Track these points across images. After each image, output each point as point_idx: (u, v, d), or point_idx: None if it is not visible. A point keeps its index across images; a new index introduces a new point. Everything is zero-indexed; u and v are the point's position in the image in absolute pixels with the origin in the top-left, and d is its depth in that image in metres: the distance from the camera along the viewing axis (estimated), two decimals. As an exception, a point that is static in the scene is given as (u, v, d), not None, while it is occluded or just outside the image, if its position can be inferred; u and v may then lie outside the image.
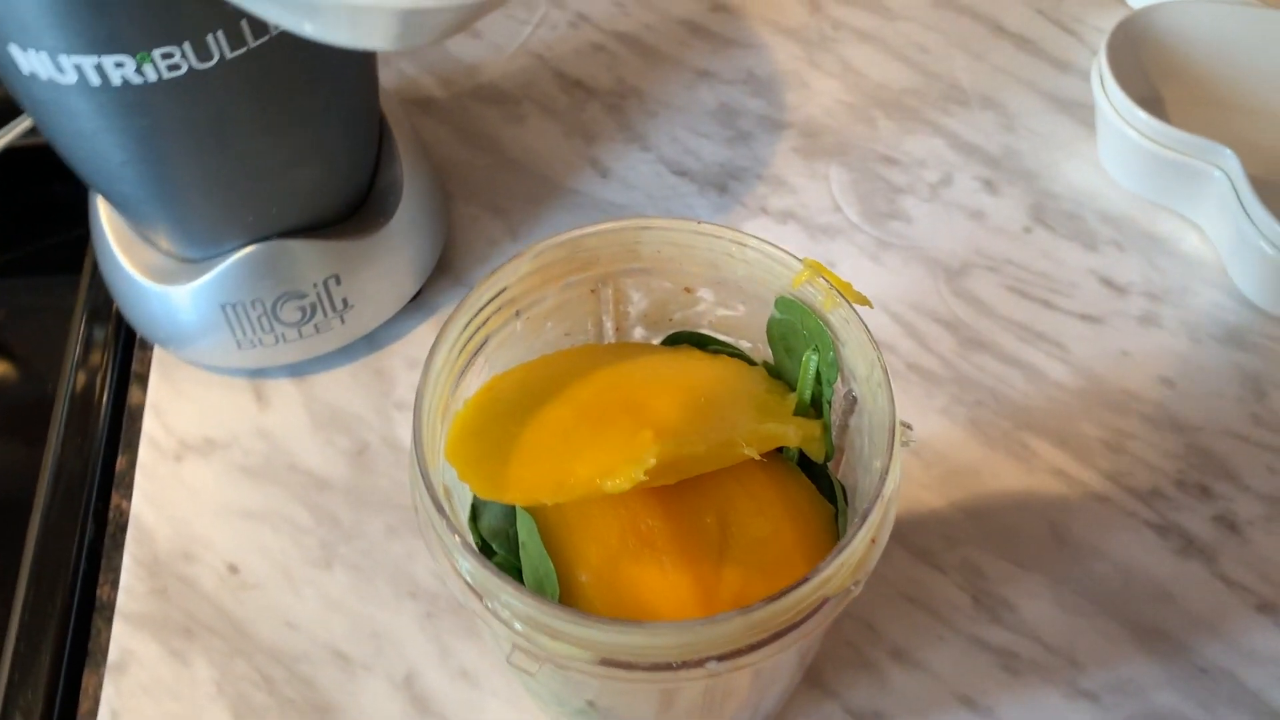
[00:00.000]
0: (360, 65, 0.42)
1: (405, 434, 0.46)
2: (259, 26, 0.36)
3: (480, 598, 0.25)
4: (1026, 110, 0.56)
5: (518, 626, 0.24)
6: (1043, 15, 0.60)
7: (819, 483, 0.31)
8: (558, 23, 0.60)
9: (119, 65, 0.34)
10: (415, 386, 0.46)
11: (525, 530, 0.29)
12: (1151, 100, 0.53)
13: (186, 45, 0.35)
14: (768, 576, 0.29)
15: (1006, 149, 0.54)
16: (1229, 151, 0.47)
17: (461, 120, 0.56)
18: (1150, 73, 0.53)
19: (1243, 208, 0.47)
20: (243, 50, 0.36)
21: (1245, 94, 0.53)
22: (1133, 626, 0.41)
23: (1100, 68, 0.51)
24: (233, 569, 0.43)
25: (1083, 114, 0.55)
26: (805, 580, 0.24)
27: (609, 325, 0.32)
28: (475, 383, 0.30)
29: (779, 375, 0.31)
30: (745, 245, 0.29)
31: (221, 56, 0.35)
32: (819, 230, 0.52)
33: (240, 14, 0.35)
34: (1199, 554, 0.43)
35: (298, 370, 0.48)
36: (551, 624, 0.23)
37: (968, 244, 0.51)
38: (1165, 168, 0.50)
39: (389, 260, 0.47)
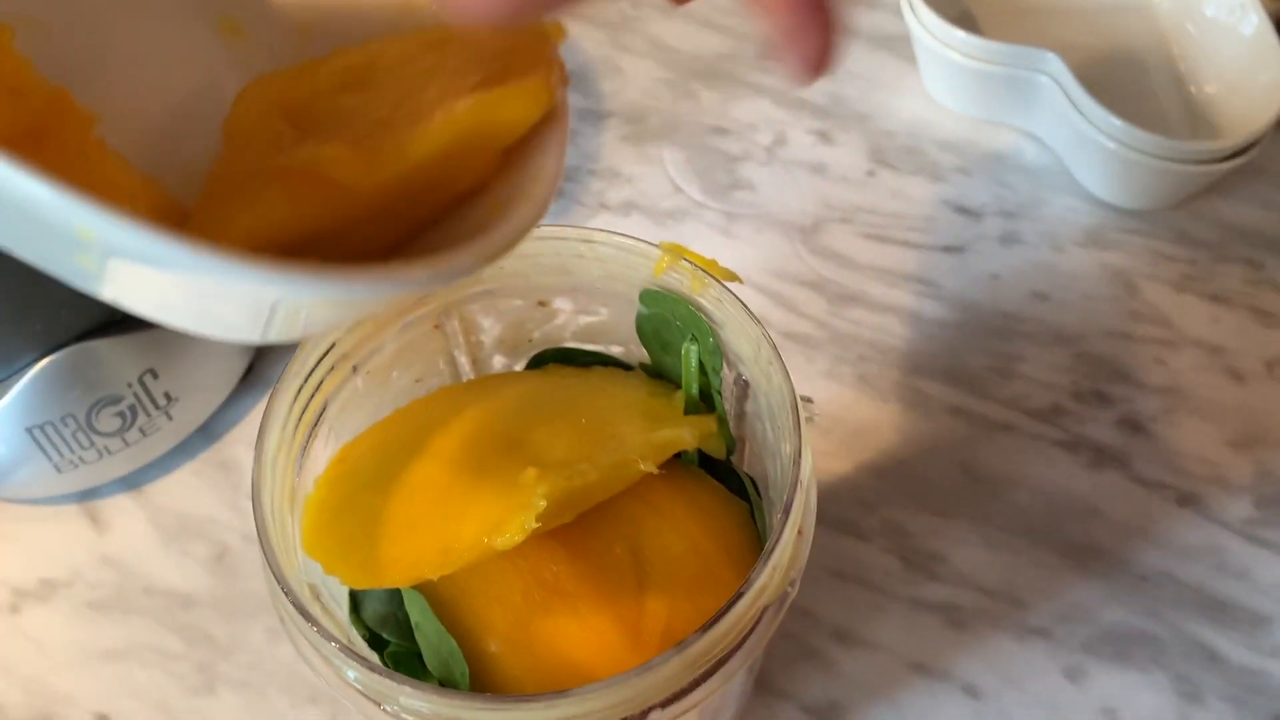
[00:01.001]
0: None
1: (268, 525, 0.42)
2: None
3: (378, 704, 0.21)
4: (844, 54, 0.54)
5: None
6: (837, -43, 0.58)
7: (725, 480, 0.28)
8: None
9: None
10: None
11: (416, 610, 0.26)
12: (964, 18, 0.52)
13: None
14: (695, 596, 0.26)
15: (833, 97, 0.53)
16: (1052, 55, 0.46)
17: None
18: (956, -7, 0.52)
19: (1075, 108, 0.46)
20: None
21: (1051, -3, 0.53)
22: (1065, 550, 0.40)
23: (907, -4, 0.50)
24: (101, 718, 0.38)
25: (900, 47, 0.54)
26: (738, 596, 0.21)
27: (464, 361, 0.29)
28: (323, 458, 0.26)
29: (659, 374, 0.29)
30: (594, 242, 0.26)
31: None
32: (664, 215, 0.49)
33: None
34: (1111, 461, 0.42)
35: (132, 482, 0.43)
36: (467, 716, 0.20)
37: (815, 199, 0.49)
38: (991, 83, 0.49)
39: (207, 341, 0.42)
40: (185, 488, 0.43)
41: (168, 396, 0.41)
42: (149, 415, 0.41)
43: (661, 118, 0.52)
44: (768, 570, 0.21)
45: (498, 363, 0.29)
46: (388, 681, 0.20)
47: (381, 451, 0.26)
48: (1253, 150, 0.45)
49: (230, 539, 0.42)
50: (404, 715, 0.21)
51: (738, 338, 0.25)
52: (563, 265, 0.27)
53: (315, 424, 0.25)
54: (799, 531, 0.23)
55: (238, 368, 0.44)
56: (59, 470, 0.41)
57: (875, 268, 0.47)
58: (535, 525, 0.23)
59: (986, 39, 0.48)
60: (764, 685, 0.37)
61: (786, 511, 0.22)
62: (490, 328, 0.28)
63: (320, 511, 0.25)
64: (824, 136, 0.51)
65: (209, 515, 0.42)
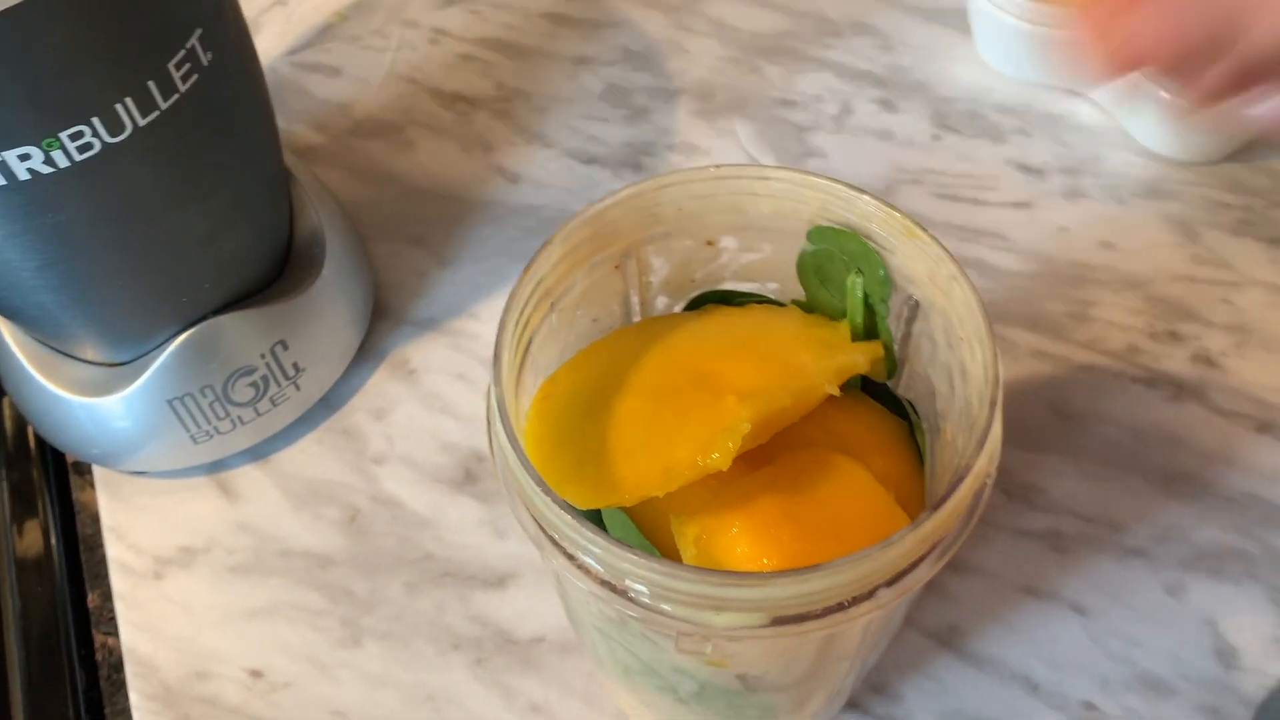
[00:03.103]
0: (265, 114, 0.40)
1: (393, 488, 0.44)
2: (166, 85, 0.33)
3: (622, 593, 0.23)
4: (898, 28, 0.57)
5: (666, 608, 0.23)
6: (881, -63, 0.61)
7: (885, 403, 0.30)
8: (416, 43, 0.57)
9: (24, 158, 0.31)
10: (386, 435, 0.44)
11: (618, 527, 0.27)
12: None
13: (95, 121, 0.32)
14: (866, 508, 0.28)
15: (892, 68, 0.55)
16: (1108, 16, 0.49)
17: (349, 160, 0.53)
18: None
19: (1133, 66, 0.49)
20: (154, 115, 0.33)
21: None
22: (1154, 477, 0.43)
23: (963, -32, 0.52)
24: (255, 674, 0.40)
25: (952, 19, 0.56)
26: (959, 480, 0.23)
27: (635, 301, 0.31)
28: (530, 389, 0.28)
29: (812, 310, 0.31)
30: (769, 179, 0.28)
31: (134, 126, 0.32)
32: (742, 184, 0.51)
33: (145, 74, 0.32)
34: (1190, 394, 0.44)
35: (258, 453, 0.45)
36: (719, 594, 0.22)
37: (886, 163, 0.52)
38: (1046, 45, 0.51)
39: (329, 312, 0.44)
40: (310, 456, 0.45)
41: (296, 366, 0.43)
42: (279, 385, 0.43)
43: (730, 93, 0.55)
44: (984, 455, 0.23)
45: (660, 303, 0.31)
46: (647, 560, 0.22)
47: (584, 386, 0.28)
48: (1298, 101, 0.48)
49: (359, 501, 0.43)
50: (644, 597, 0.23)
51: (911, 261, 0.27)
52: (736, 204, 0.29)
53: (525, 355, 0.27)
54: (994, 416, 0.24)
55: (354, 341, 0.46)
56: (194, 441, 0.42)
57: (949, 224, 0.50)
58: (740, 445, 0.26)
59: (1040, 3, 0.50)
60: (887, 612, 0.40)
61: (993, 405, 0.24)
62: (659, 268, 0.30)
63: (540, 441, 0.27)
64: (887, 105, 0.54)
65: (336, 480, 0.44)
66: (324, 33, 0.58)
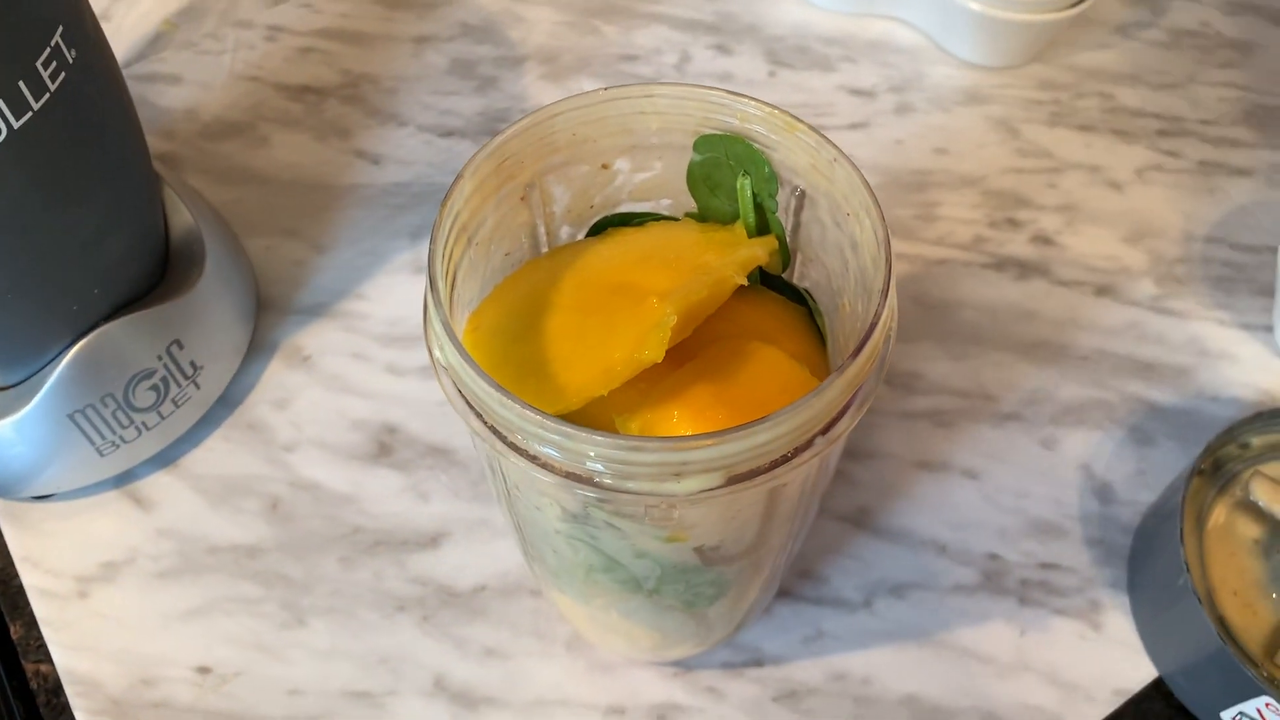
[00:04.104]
0: (131, 111, 0.39)
1: (310, 472, 0.44)
2: (36, 85, 0.33)
3: (587, 479, 0.25)
4: (719, -24, 0.60)
5: (630, 485, 0.24)
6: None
7: (783, 293, 0.33)
8: (253, 42, 0.57)
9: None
10: (293, 423, 0.44)
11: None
12: (821, -71, 0.58)
13: (-32, 126, 0.31)
14: (779, 380, 0.30)
15: (721, 14, 0.58)
16: (912, -59, 0.53)
17: (206, 164, 0.53)
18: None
19: (939, -15, 0.53)
20: (28, 116, 0.33)
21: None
22: (1015, 349, 0.47)
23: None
24: (203, 670, 0.40)
25: (767, -37, 0.60)
26: (871, 327, 0.25)
27: (542, 232, 0.32)
28: (459, 324, 0.29)
29: (705, 219, 0.33)
30: (654, 95, 0.30)
31: (9, 129, 0.32)
32: (599, 138, 0.53)
33: (15, 74, 0.32)
34: (1034, 271, 0.49)
35: (165, 460, 0.44)
36: (680, 458, 0.24)
37: (730, 102, 0.55)
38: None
39: (218, 308, 0.44)
40: (218, 454, 0.45)
41: (193, 365, 0.43)
42: (180, 385, 0.43)
43: (573, 54, 0.57)
44: (886, 308, 0.26)
45: (564, 233, 0.33)
46: (584, 434, 0.24)
47: (509, 314, 0.30)
48: (1084, 3, 0.53)
49: (277, 489, 0.44)
50: (603, 477, 0.24)
51: (793, 154, 0.30)
52: (626, 125, 0.30)
53: (451, 290, 0.28)
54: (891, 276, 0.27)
55: (246, 335, 0.46)
56: (100, 454, 0.42)
57: (797, 151, 0.53)
58: (669, 336, 0.27)
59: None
60: (802, 505, 0.43)
61: (888, 262, 0.27)
62: (560, 197, 0.32)
63: (482, 363, 0.28)
64: (723, 49, 0.57)
65: (250, 473, 0.44)
66: (155, 43, 0.57)
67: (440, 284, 0.27)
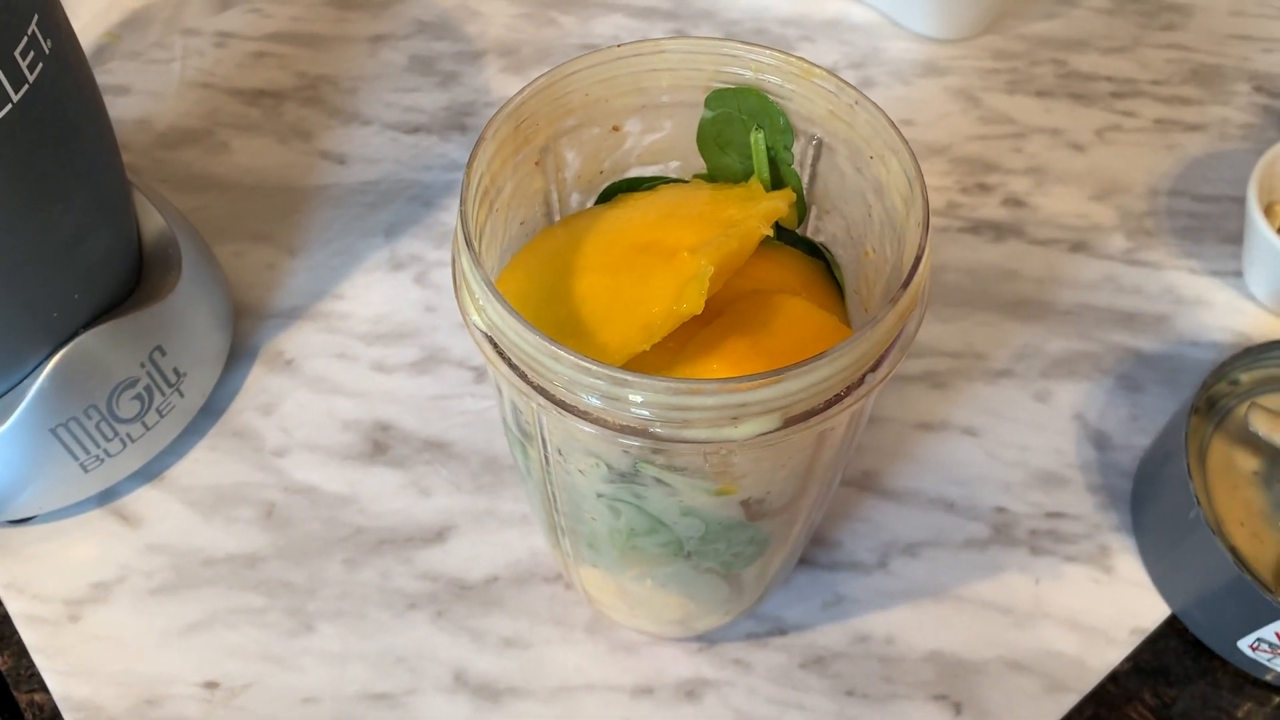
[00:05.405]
0: (103, 107, 0.38)
1: (303, 475, 0.43)
2: (16, 76, 0.31)
3: (641, 431, 0.24)
4: (671, -36, 0.60)
5: (687, 434, 0.24)
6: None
7: (798, 246, 0.33)
8: (202, 49, 0.56)
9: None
10: (281, 428, 0.43)
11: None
12: (770, -87, 0.58)
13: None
14: (806, 329, 0.30)
15: (676, 0, 0.58)
16: (865, -82, 0.54)
17: (165, 172, 0.51)
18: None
19: (894, -40, 0.54)
20: (8, 109, 0.31)
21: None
22: (1000, 308, 0.47)
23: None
24: (210, 685, 0.38)
25: (718, -51, 0.60)
26: (915, 266, 0.25)
27: (555, 199, 0.32)
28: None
29: (714, 180, 0.33)
30: (664, 51, 0.29)
31: (-14, 121, 0.31)
32: (568, 126, 0.53)
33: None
34: (1009, 232, 0.50)
35: (149, 474, 0.43)
36: (741, 399, 0.23)
37: (695, 86, 0.55)
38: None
39: (197, 313, 0.43)
40: (205, 464, 0.43)
41: (176, 372, 0.41)
42: (164, 394, 0.41)
43: (532, 46, 0.56)
44: (927, 253, 0.26)
45: (575, 200, 0.33)
46: (641, 379, 0.23)
47: (535, 280, 0.29)
48: (1032, -29, 0.55)
49: (271, 495, 0.42)
50: (657, 429, 0.24)
51: (810, 102, 0.30)
52: (638, 84, 0.30)
53: (478, 256, 0.27)
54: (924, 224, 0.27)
55: (226, 341, 0.44)
56: (85, 469, 0.40)
57: (766, 129, 0.53)
58: (706, 288, 0.27)
59: (804, -82, 0.54)
60: (809, 472, 0.42)
61: (924, 196, 0.27)
62: (572, 162, 0.31)
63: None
64: (681, 34, 0.57)
65: (241, 480, 0.43)
66: (99, 54, 0.55)
67: (475, 244, 0.26)
